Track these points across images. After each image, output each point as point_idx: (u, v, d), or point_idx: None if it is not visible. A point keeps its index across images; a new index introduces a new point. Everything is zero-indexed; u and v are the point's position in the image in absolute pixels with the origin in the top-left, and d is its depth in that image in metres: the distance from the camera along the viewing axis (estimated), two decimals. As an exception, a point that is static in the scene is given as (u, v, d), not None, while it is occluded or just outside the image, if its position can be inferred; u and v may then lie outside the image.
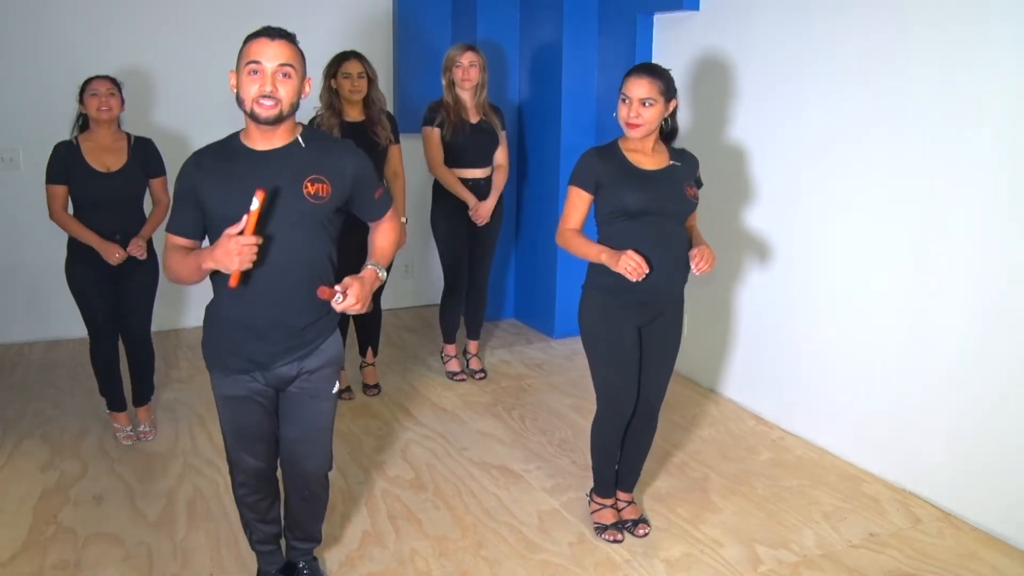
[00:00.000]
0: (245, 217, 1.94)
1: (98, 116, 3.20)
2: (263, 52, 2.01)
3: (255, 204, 1.93)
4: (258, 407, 2.22)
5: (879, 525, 2.90)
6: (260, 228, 1.97)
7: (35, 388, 4.00)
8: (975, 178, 2.81)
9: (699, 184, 2.68)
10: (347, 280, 2.04)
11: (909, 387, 3.09)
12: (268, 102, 2.01)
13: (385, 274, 2.20)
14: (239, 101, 2.06)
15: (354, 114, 3.68)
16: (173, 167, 2.47)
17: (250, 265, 1.97)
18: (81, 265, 3.26)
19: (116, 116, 3.26)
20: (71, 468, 3.20)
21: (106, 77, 3.26)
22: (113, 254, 3.17)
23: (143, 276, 3.31)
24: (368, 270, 2.14)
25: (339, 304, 2.03)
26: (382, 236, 2.28)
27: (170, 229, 2.16)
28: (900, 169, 3.06)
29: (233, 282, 1.99)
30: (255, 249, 1.95)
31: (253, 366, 2.17)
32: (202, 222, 2.13)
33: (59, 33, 4.40)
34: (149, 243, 3.31)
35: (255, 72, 2.01)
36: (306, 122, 2.32)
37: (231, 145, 2.12)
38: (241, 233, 1.94)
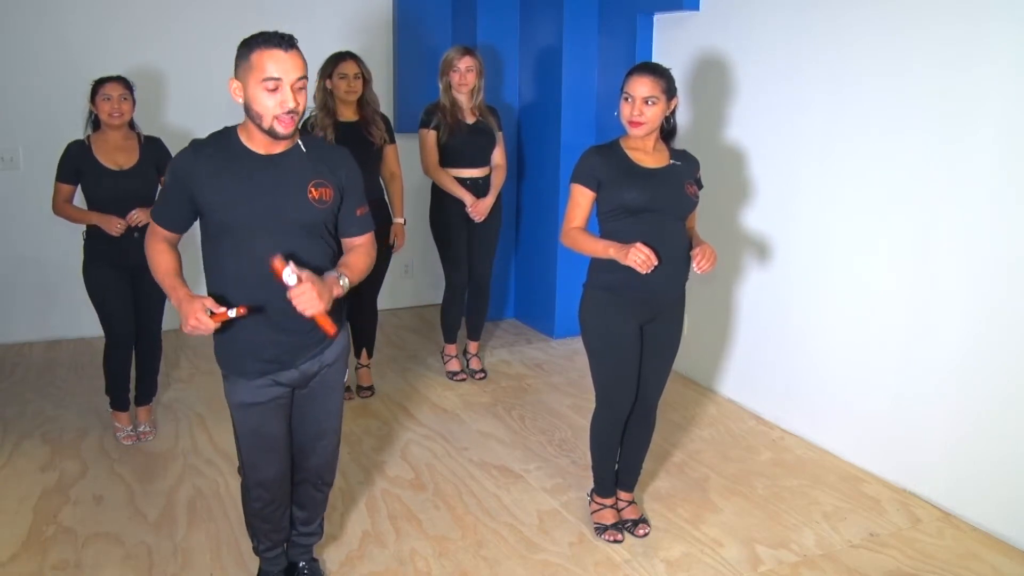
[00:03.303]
0: (223, 309, 1.98)
1: (110, 121, 3.19)
2: (281, 67, 1.97)
3: (233, 312, 1.98)
4: (279, 411, 2.22)
5: (879, 525, 2.90)
6: (223, 325, 2.02)
7: (35, 388, 4.00)
8: (975, 178, 2.81)
9: (700, 186, 2.68)
10: (305, 271, 1.95)
11: (909, 387, 3.09)
12: (289, 117, 2.00)
13: (347, 284, 2.09)
14: (253, 115, 2.02)
15: (348, 114, 3.68)
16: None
17: (194, 334, 2.01)
18: (99, 267, 3.26)
19: (128, 120, 3.26)
20: (71, 468, 3.20)
21: (119, 79, 3.22)
22: (114, 225, 3.16)
23: None
24: (330, 275, 2.06)
25: (292, 288, 1.93)
26: (355, 255, 2.19)
27: (155, 219, 2.14)
28: (900, 168, 3.06)
29: (183, 329, 2.03)
30: (209, 332, 2.00)
31: (276, 367, 2.16)
32: (189, 216, 2.12)
33: (59, 33, 4.40)
34: None
35: (275, 89, 1.97)
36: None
37: (231, 144, 2.09)
38: (212, 314, 1.97)
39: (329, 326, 2.04)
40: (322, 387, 2.26)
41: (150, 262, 2.13)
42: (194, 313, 1.96)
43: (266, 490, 2.29)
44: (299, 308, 1.95)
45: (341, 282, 2.07)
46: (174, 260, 2.13)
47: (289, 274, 1.92)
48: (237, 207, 2.05)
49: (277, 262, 1.93)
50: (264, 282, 2.06)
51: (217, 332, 2.02)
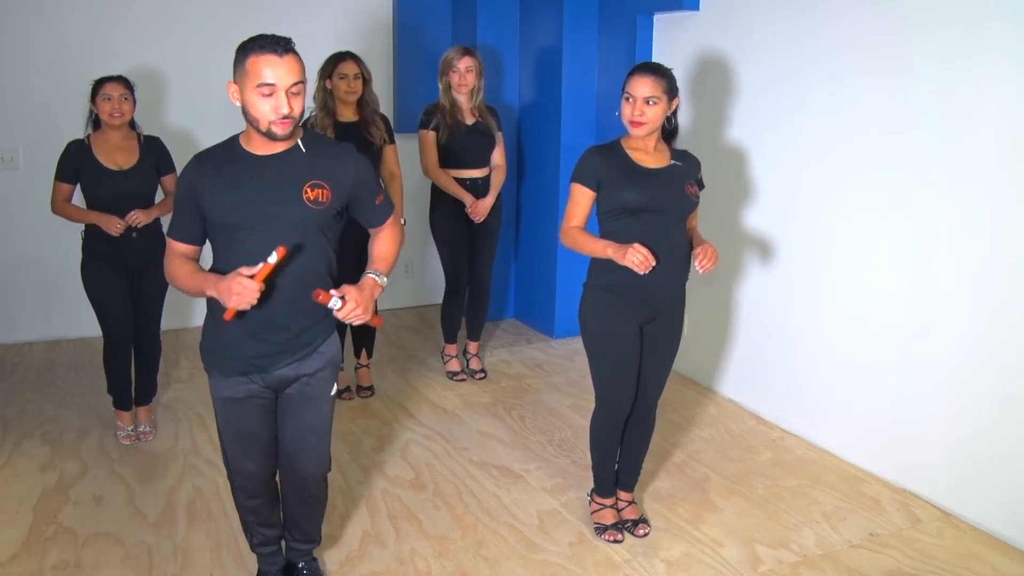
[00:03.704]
0: (261, 264, 1.95)
1: (110, 121, 3.19)
2: (275, 73, 1.97)
3: (273, 258, 1.95)
4: (257, 409, 2.21)
5: (879, 525, 2.90)
6: (271, 279, 2.00)
7: (35, 388, 4.00)
8: (975, 178, 2.81)
9: (701, 186, 2.69)
10: (345, 287, 2.03)
11: (909, 387, 3.09)
12: (285, 120, 2.00)
13: (385, 281, 2.17)
14: (250, 119, 2.02)
15: (348, 114, 3.68)
16: (179, 166, 2.46)
17: (247, 308, 1.97)
18: (98, 267, 3.26)
19: (128, 120, 3.26)
20: (71, 468, 3.20)
21: (119, 79, 3.22)
22: (114, 225, 3.16)
23: (157, 273, 3.27)
24: (367, 278, 2.12)
25: (338, 311, 2.01)
26: (382, 244, 2.24)
27: (171, 234, 2.16)
28: (900, 168, 3.06)
29: (227, 316, 2.00)
30: (257, 295, 1.96)
31: (252, 368, 2.16)
32: (202, 228, 2.13)
33: (59, 33, 4.40)
34: (160, 239, 3.28)
35: (269, 94, 1.98)
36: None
37: (232, 149, 2.11)
38: (252, 278, 1.95)
39: (375, 321, 2.14)
40: (302, 398, 2.23)
41: (173, 280, 2.14)
42: (232, 284, 1.94)
43: (248, 482, 2.30)
44: (355, 323, 2.05)
45: (380, 280, 2.15)
46: (192, 263, 2.14)
47: (335, 301, 2.01)
48: (236, 209, 2.06)
49: (322, 296, 1.98)
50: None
51: (261, 301, 1.98)
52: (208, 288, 2.03)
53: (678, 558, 2.69)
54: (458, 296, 4.14)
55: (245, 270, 1.96)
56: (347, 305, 2.01)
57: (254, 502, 2.34)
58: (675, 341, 2.72)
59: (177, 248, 2.15)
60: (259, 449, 2.26)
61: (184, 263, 2.13)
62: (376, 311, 2.12)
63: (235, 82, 2.03)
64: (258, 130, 2.03)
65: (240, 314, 2.01)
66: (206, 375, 2.27)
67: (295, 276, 2.09)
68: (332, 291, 2.01)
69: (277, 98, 1.98)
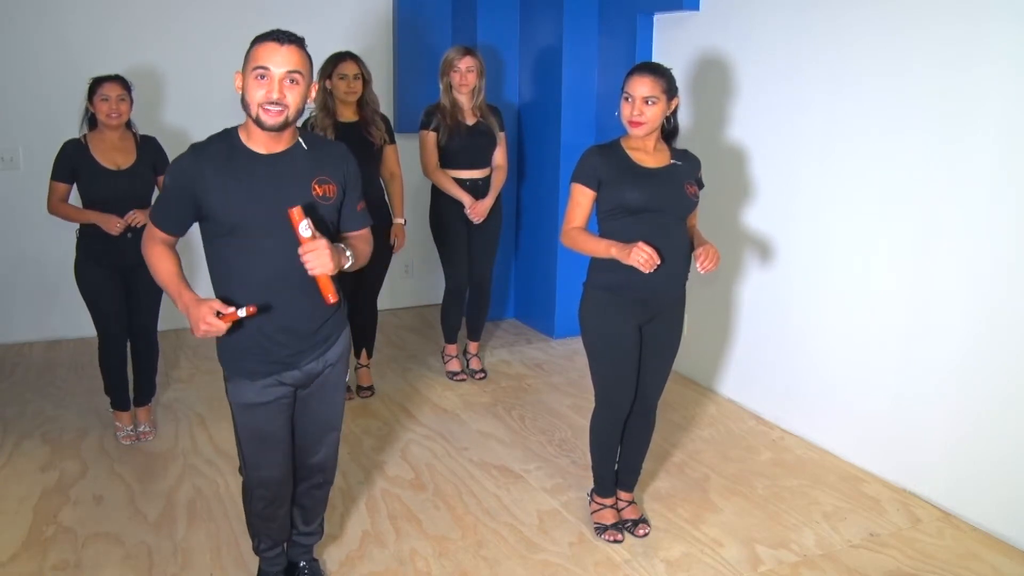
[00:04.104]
0: (232, 309, 1.97)
1: (108, 122, 3.19)
2: (271, 58, 1.98)
3: (243, 312, 1.97)
4: (282, 411, 2.22)
5: (879, 525, 2.90)
6: (234, 325, 2.01)
7: (35, 388, 4.00)
8: (975, 178, 2.81)
9: (701, 185, 2.69)
10: (317, 233, 2.00)
11: (909, 387, 3.09)
12: (274, 108, 1.99)
13: (349, 262, 2.10)
14: (244, 105, 2.03)
15: (348, 114, 3.68)
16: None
17: (207, 337, 2.01)
18: (91, 265, 3.26)
19: (126, 121, 3.25)
20: (71, 468, 3.20)
21: (117, 79, 3.21)
22: (114, 224, 3.16)
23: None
24: (338, 246, 2.07)
25: (305, 241, 1.95)
26: (356, 241, 2.23)
27: (155, 221, 2.13)
28: (900, 168, 3.06)
29: (197, 334, 2.01)
30: (216, 335, 1.99)
31: (280, 367, 2.16)
32: (189, 220, 2.11)
33: (59, 33, 4.40)
34: None
35: (262, 77, 1.98)
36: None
37: (232, 145, 2.08)
38: (219, 314, 1.96)
39: (332, 292, 2.03)
40: (325, 386, 2.26)
41: (151, 267, 2.13)
42: (203, 318, 1.96)
43: (268, 489, 2.29)
44: (309, 265, 1.97)
45: (347, 253, 2.10)
46: (175, 263, 2.12)
47: (305, 227, 1.95)
48: (242, 207, 2.04)
49: (296, 213, 1.94)
50: (270, 281, 2.07)
51: (228, 333, 2.01)
52: (180, 304, 2.04)
53: (678, 558, 2.69)
54: (458, 296, 4.13)
55: (218, 305, 1.97)
56: (318, 241, 1.96)
57: (271, 508, 2.33)
58: (675, 341, 2.72)
59: (158, 235, 2.13)
60: (280, 451, 2.26)
61: (168, 258, 2.11)
62: (337, 289, 2.05)
63: (241, 71, 2.04)
64: (250, 116, 2.03)
65: (238, 324, 2.02)
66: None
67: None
68: (308, 218, 1.97)
69: (269, 82, 1.98)
